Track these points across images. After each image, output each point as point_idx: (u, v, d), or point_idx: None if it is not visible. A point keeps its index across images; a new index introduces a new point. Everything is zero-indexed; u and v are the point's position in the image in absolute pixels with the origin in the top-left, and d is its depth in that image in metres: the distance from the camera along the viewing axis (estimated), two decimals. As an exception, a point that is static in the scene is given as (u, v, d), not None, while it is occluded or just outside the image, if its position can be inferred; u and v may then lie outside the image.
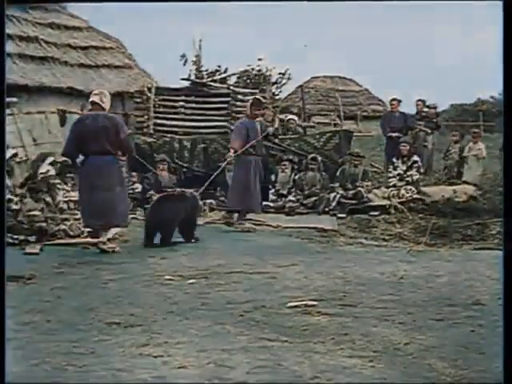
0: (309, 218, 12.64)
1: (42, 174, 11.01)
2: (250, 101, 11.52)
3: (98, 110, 9.56)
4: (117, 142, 9.47)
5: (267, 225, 11.74)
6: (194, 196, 10.53)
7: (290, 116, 16.28)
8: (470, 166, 15.59)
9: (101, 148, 9.41)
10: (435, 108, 17.69)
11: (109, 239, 9.59)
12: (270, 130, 11.85)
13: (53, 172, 11.29)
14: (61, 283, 7.58)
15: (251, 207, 11.38)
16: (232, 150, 11.30)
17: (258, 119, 11.40)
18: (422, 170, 14.22)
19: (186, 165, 14.65)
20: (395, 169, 13.80)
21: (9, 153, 11.58)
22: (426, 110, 17.28)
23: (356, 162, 13.65)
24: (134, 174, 14.35)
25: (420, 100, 17.45)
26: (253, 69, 22.75)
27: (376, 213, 12.46)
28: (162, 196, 10.47)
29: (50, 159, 11.81)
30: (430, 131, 16.92)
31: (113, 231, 9.82)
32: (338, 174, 13.65)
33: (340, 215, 12.62)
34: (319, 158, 13.99)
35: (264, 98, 17.62)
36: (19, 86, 13.82)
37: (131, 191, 13.85)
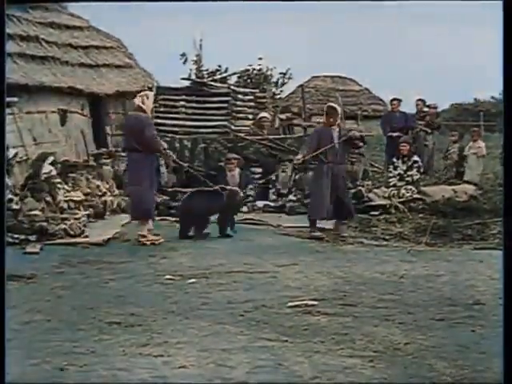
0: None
1: (45, 173, 11.02)
2: (325, 108, 11.34)
3: (139, 111, 10.20)
4: (143, 140, 10.00)
5: (268, 224, 11.75)
6: (233, 192, 10.87)
7: (262, 114, 15.97)
8: (470, 164, 15.57)
9: (129, 145, 10.26)
10: (435, 108, 17.67)
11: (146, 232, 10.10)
12: (353, 133, 11.25)
13: (54, 172, 11.29)
14: (61, 283, 7.59)
15: (318, 215, 10.87)
16: (299, 155, 11.09)
17: (333, 126, 10.98)
18: (422, 170, 14.21)
19: (186, 164, 14.65)
20: (395, 168, 13.78)
21: (10, 153, 11.58)
22: (425, 109, 17.27)
23: (353, 160, 13.64)
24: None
25: (420, 100, 17.43)
26: (253, 68, 22.76)
27: (376, 212, 12.44)
28: (193, 191, 11.08)
29: (51, 159, 11.80)
30: (430, 131, 16.91)
31: (150, 224, 10.35)
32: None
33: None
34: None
35: (264, 97, 17.65)
36: (20, 86, 13.81)
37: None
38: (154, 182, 10.53)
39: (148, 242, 9.91)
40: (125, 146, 10.78)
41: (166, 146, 11.15)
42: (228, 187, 11.13)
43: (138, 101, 10.26)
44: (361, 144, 11.83)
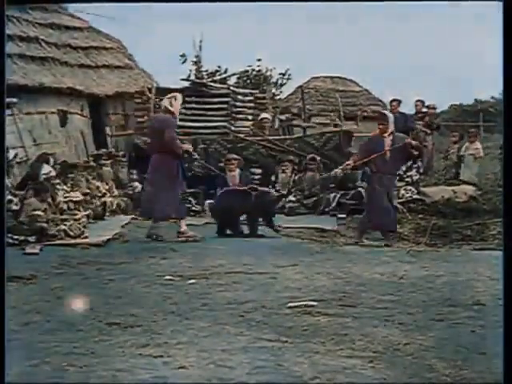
0: (309, 218, 12.64)
1: (44, 174, 11.03)
2: (377, 115, 11.24)
3: (166, 113, 10.38)
4: (163, 141, 10.16)
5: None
6: (264, 192, 11.15)
7: (263, 115, 15.96)
8: (467, 165, 15.57)
9: (151, 147, 10.63)
10: (434, 108, 17.67)
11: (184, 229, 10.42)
12: (408, 141, 10.70)
13: (53, 172, 11.30)
14: (61, 283, 7.58)
15: (388, 226, 10.60)
16: (350, 161, 10.84)
17: (385, 134, 10.50)
18: (421, 171, 14.22)
19: (185, 165, 14.64)
20: (395, 169, 13.77)
21: (10, 154, 11.59)
22: (424, 110, 17.27)
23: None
24: (134, 172, 14.37)
25: (419, 100, 17.43)
26: (253, 69, 22.77)
27: (376, 213, 12.43)
28: (224, 190, 11.57)
29: (50, 160, 11.80)
30: (429, 132, 16.92)
31: (183, 223, 10.56)
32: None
33: (340, 215, 12.62)
34: (318, 158, 13.99)
35: (264, 98, 17.66)
36: (19, 87, 13.81)
37: (131, 190, 13.86)
38: (179, 183, 10.54)
39: (186, 239, 10.22)
40: (148, 147, 11.02)
41: (190, 148, 11.01)
42: (260, 188, 11.39)
43: (166, 103, 10.37)
44: (416, 153, 11.05)
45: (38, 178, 11.18)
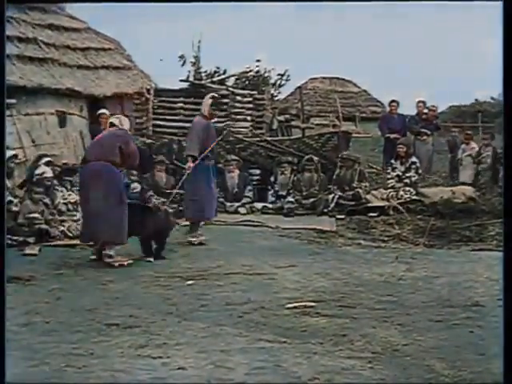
0: (307, 219, 12.63)
1: (37, 175, 10.96)
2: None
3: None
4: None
5: (266, 226, 11.74)
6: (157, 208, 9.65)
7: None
8: (465, 166, 15.56)
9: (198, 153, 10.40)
10: (435, 110, 17.66)
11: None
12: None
13: (50, 173, 11.24)
14: (60, 284, 7.58)
15: None
16: None
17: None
18: (420, 172, 14.21)
19: (185, 166, 14.64)
20: (394, 170, 13.79)
21: (9, 154, 11.56)
22: (425, 111, 17.25)
23: (346, 165, 13.59)
24: (134, 173, 14.34)
25: (421, 101, 17.40)
26: (251, 70, 22.76)
27: (375, 214, 12.45)
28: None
29: (46, 159, 11.75)
30: (430, 133, 16.90)
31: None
32: (334, 176, 13.62)
33: (339, 216, 12.62)
34: (315, 159, 13.97)
35: (262, 99, 17.65)
36: (18, 88, 13.79)
37: (130, 191, 13.82)
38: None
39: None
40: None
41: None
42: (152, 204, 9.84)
43: (115, 121, 9.63)
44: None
45: (32, 179, 11.14)
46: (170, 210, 9.94)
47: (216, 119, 15.53)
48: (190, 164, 10.41)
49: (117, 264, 8.72)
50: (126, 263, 8.79)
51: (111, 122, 9.65)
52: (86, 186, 9.11)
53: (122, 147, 9.18)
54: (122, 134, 9.41)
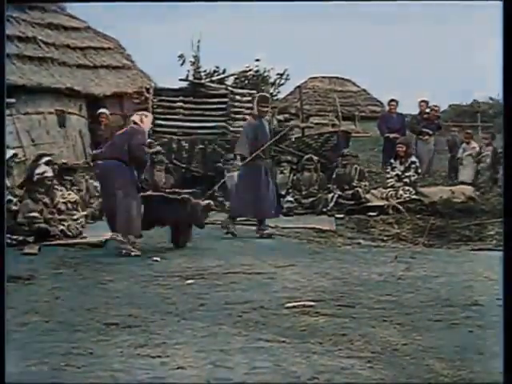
0: (307, 218, 12.63)
1: (38, 174, 10.96)
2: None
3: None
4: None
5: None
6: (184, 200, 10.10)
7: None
8: (465, 166, 15.56)
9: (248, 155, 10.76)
10: (437, 110, 17.65)
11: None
12: None
13: (50, 173, 11.24)
14: (59, 284, 7.59)
15: None
16: None
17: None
18: (420, 171, 14.21)
19: (184, 165, 14.65)
20: (393, 169, 13.79)
21: (8, 153, 11.56)
22: (427, 110, 17.23)
23: (345, 163, 13.60)
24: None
25: (423, 101, 17.39)
26: (251, 69, 22.73)
27: (374, 213, 12.46)
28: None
29: (46, 159, 11.74)
30: (431, 132, 16.90)
31: None
32: (333, 175, 13.62)
33: (338, 216, 12.62)
34: (315, 159, 13.97)
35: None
36: (17, 87, 13.81)
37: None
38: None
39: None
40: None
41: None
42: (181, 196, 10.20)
43: (136, 118, 9.87)
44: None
45: (33, 179, 11.13)
46: (203, 204, 10.24)
47: (216, 119, 15.65)
48: (238, 163, 10.92)
49: (124, 252, 9.19)
50: (132, 254, 9.18)
51: (132, 120, 10.02)
52: (100, 183, 10.21)
53: (130, 143, 9.52)
54: (131, 132, 9.72)
